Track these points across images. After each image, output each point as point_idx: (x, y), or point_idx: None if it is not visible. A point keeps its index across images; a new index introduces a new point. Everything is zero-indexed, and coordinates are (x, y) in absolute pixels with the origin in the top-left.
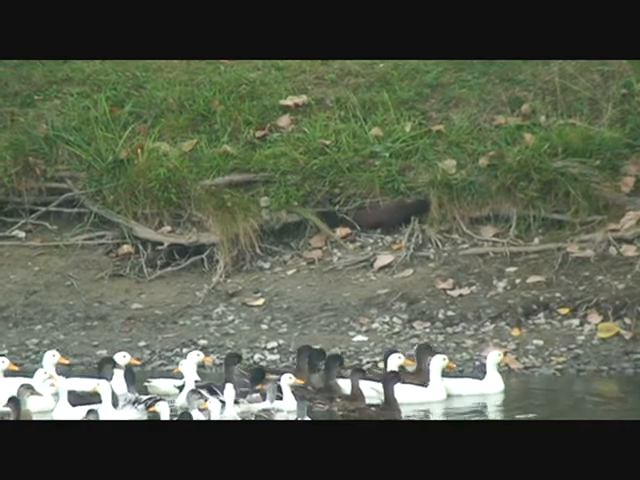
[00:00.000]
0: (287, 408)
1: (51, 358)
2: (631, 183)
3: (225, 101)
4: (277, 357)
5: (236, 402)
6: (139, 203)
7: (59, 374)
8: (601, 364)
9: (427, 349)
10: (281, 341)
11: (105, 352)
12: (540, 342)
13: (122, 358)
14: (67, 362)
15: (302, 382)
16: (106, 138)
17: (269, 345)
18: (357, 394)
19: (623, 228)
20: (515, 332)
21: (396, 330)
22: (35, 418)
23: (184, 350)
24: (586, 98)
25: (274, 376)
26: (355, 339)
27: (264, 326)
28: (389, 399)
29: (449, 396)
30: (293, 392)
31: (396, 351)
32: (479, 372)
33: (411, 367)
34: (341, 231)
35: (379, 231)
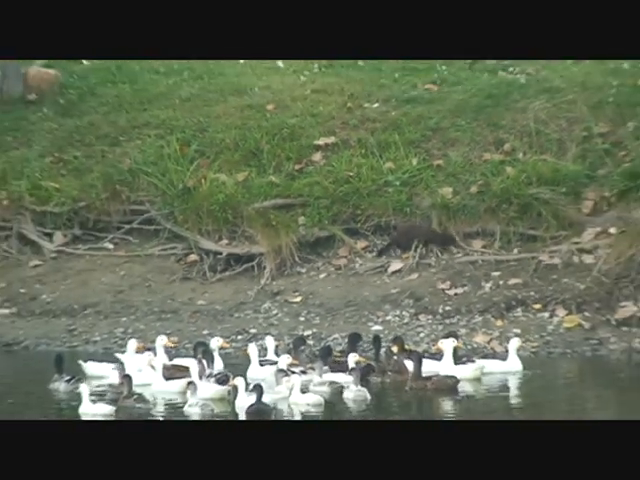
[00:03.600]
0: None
1: (161, 341)
2: (590, 206)
3: (271, 141)
4: (312, 342)
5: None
6: (203, 221)
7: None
8: (566, 348)
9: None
10: (315, 330)
11: (176, 339)
12: (518, 330)
13: (216, 342)
14: (173, 345)
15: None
16: (176, 170)
17: (305, 333)
18: (402, 369)
19: (584, 241)
20: (499, 323)
21: (405, 321)
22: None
23: (238, 337)
24: (555, 139)
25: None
26: (373, 328)
27: (301, 318)
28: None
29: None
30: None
31: (454, 335)
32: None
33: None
34: (361, 244)
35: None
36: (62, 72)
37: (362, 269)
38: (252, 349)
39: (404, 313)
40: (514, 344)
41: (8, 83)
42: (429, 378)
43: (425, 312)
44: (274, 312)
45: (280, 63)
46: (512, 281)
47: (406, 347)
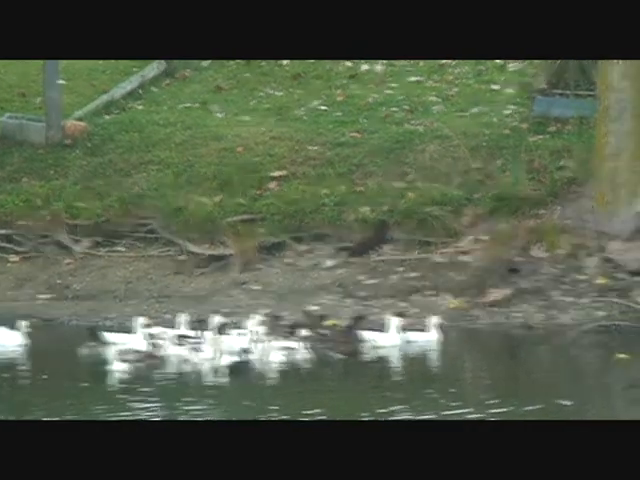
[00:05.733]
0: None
1: (182, 318)
2: (468, 220)
3: (239, 174)
4: (266, 318)
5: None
6: (190, 231)
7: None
8: (451, 322)
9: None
10: (270, 309)
11: (170, 316)
12: (417, 310)
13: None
14: (190, 320)
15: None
16: (172, 195)
17: (263, 312)
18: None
19: (463, 246)
20: (403, 304)
21: (335, 304)
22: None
23: (213, 314)
24: (443, 172)
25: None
26: (312, 309)
27: (260, 301)
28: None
29: (407, 342)
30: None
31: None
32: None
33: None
34: (304, 247)
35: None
36: (90, 124)
37: (304, 265)
38: (250, 323)
39: (334, 297)
40: (434, 320)
41: (52, 132)
42: (344, 344)
43: (349, 297)
44: (240, 297)
45: (247, 117)
46: (412, 274)
47: (334, 322)
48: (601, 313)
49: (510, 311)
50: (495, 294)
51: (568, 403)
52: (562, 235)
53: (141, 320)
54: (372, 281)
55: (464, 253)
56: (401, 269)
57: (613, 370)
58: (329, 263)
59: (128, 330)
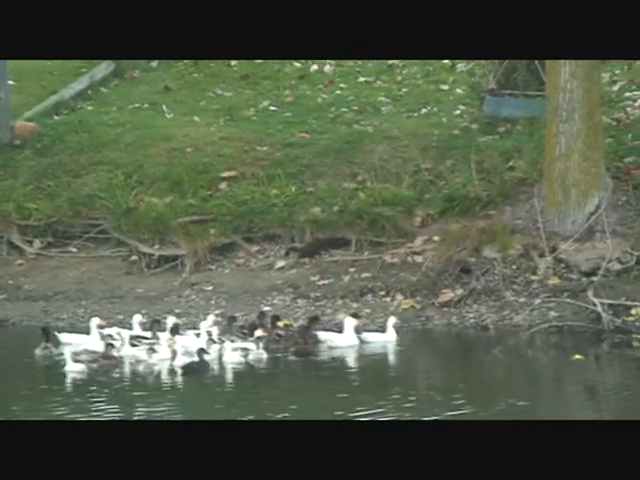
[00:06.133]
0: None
1: (138, 318)
2: (419, 221)
3: (189, 174)
4: (220, 319)
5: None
6: (141, 232)
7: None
8: (404, 323)
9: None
10: (222, 310)
11: (122, 317)
12: (369, 310)
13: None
14: (145, 321)
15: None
16: (122, 195)
17: (215, 312)
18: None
19: (415, 246)
20: (354, 305)
21: (287, 304)
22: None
23: (167, 315)
24: (394, 172)
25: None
26: (264, 309)
27: (212, 302)
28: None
29: (364, 342)
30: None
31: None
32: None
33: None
34: (255, 248)
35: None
36: (39, 124)
37: (255, 266)
38: (203, 324)
39: (286, 298)
40: (391, 321)
41: (1, 133)
42: (300, 344)
43: (301, 297)
44: (192, 297)
45: (196, 118)
46: (364, 275)
47: (288, 323)
48: (553, 314)
49: (463, 312)
50: (447, 295)
51: (525, 403)
52: (513, 236)
53: (96, 321)
54: (324, 282)
55: (416, 254)
56: (353, 269)
57: (566, 371)
58: (280, 264)
59: (80, 331)
